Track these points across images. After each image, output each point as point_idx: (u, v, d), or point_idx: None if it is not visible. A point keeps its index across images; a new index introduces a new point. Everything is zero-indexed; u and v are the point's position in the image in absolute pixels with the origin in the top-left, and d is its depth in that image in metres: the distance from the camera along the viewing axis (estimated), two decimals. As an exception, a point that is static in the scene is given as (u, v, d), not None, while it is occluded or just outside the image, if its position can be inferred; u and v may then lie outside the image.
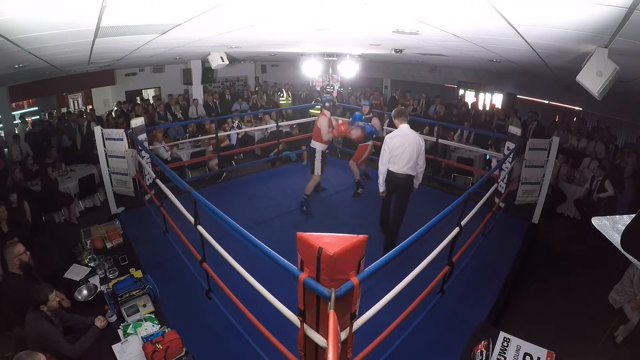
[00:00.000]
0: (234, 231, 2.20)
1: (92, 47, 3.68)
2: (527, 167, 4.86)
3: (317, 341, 1.63)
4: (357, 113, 5.51)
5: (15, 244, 2.92)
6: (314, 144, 5.02)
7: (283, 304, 1.97)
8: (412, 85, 11.03)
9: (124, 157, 4.74)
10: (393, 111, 4.00)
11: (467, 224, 2.99)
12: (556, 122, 8.43)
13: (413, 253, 2.31)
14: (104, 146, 4.75)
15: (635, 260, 0.74)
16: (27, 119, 8.21)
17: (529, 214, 5.02)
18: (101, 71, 8.16)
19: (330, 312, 1.39)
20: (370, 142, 5.68)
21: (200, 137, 7.18)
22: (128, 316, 2.74)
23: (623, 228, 0.75)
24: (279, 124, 7.26)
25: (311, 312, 1.63)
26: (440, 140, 6.16)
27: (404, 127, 3.84)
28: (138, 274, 3.15)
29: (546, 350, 2.22)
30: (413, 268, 2.35)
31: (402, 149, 3.78)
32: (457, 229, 2.90)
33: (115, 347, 2.46)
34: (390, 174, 3.91)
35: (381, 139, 4.59)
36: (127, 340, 2.51)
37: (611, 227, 0.81)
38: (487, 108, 9.92)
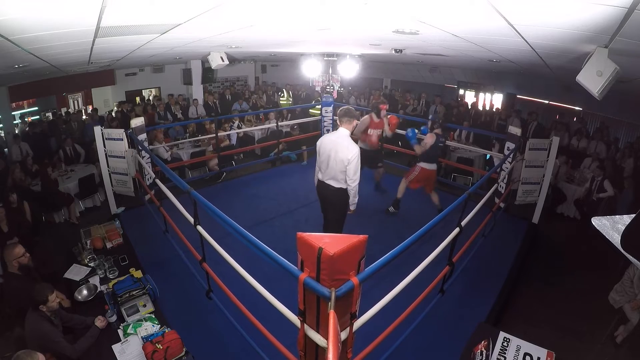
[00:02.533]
0: (234, 231, 2.20)
1: (92, 47, 3.68)
2: (527, 167, 4.86)
3: (317, 341, 1.63)
4: (410, 130, 4.79)
5: (14, 246, 2.91)
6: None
7: (283, 304, 1.97)
8: (412, 85, 11.03)
9: (124, 157, 4.74)
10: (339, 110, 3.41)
11: (467, 224, 2.99)
12: (555, 121, 8.44)
13: (413, 253, 2.31)
14: (104, 146, 4.75)
15: (635, 260, 0.74)
16: (26, 119, 8.22)
17: (529, 214, 5.02)
18: (101, 71, 8.16)
19: (331, 312, 1.39)
20: (428, 166, 4.70)
21: (200, 137, 7.18)
22: (128, 316, 2.74)
23: (623, 228, 0.75)
24: (279, 123, 7.26)
25: (311, 312, 1.63)
26: (440, 141, 6.15)
27: (340, 131, 3.26)
28: (138, 274, 3.16)
29: (546, 350, 2.22)
30: (413, 268, 2.35)
31: (326, 155, 3.26)
32: (457, 229, 2.90)
33: (115, 347, 2.46)
34: (318, 183, 3.48)
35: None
36: (127, 340, 2.51)
37: (611, 227, 0.81)
38: (487, 108, 9.92)
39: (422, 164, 4.72)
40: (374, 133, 5.02)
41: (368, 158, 4.96)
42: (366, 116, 5.04)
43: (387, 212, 5.04)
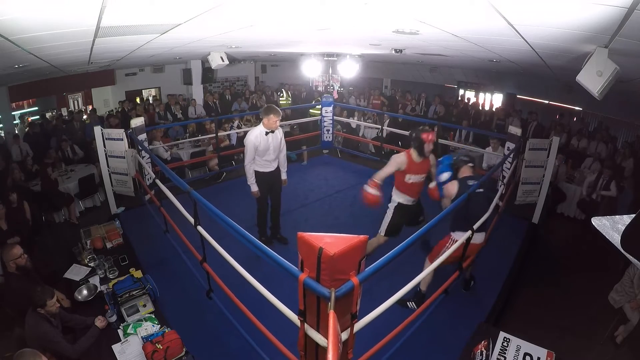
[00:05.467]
0: (234, 231, 2.20)
1: (92, 47, 3.68)
2: (527, 167, 4.86)
3: (317, 341, 1.63)
4: (447, 169, 3.26)
5: (12, 247, 2.89)
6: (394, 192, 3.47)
7: (283, 304, 1.97)
8: (412, 85, 11.03)
9: (124, 157, 4.74)
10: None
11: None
12: (554, 121, 8.44)
13: (413, 253, 2.31)
14: (104, 146, 4.75)
15: (635, 260, 0.74)
16: (26, 120, 8.21)
17: (529, 214, 5.02)
18: (101, 71, 8.15)
19: (331, 312, 1.39)
20: (464, 235, 2.83)
21: (200, 137, 7.18)
22: (128, 316, 2.74)
23: (623, 228, 0.75)
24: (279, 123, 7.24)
25: (312, 312, 1.63)
26: (440, 141, 6.15)
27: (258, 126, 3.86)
28: (138, 274, 3.16)
29: (546, 350, 2.23)
30: (414, 269, 2.35)
31: None
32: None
33: (115, 347, 2.46)
34: None
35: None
36: (127, 340, 2.51)
37: (611, 227, 0.81)
38: (487, 108, 9.92)
39: (457, 234, 2.91)
40: (413, 180, 3.36)
41: (407, 214, 3.48)
42: (400, 155, 3.37)
43: (403, 304, 3.14)
